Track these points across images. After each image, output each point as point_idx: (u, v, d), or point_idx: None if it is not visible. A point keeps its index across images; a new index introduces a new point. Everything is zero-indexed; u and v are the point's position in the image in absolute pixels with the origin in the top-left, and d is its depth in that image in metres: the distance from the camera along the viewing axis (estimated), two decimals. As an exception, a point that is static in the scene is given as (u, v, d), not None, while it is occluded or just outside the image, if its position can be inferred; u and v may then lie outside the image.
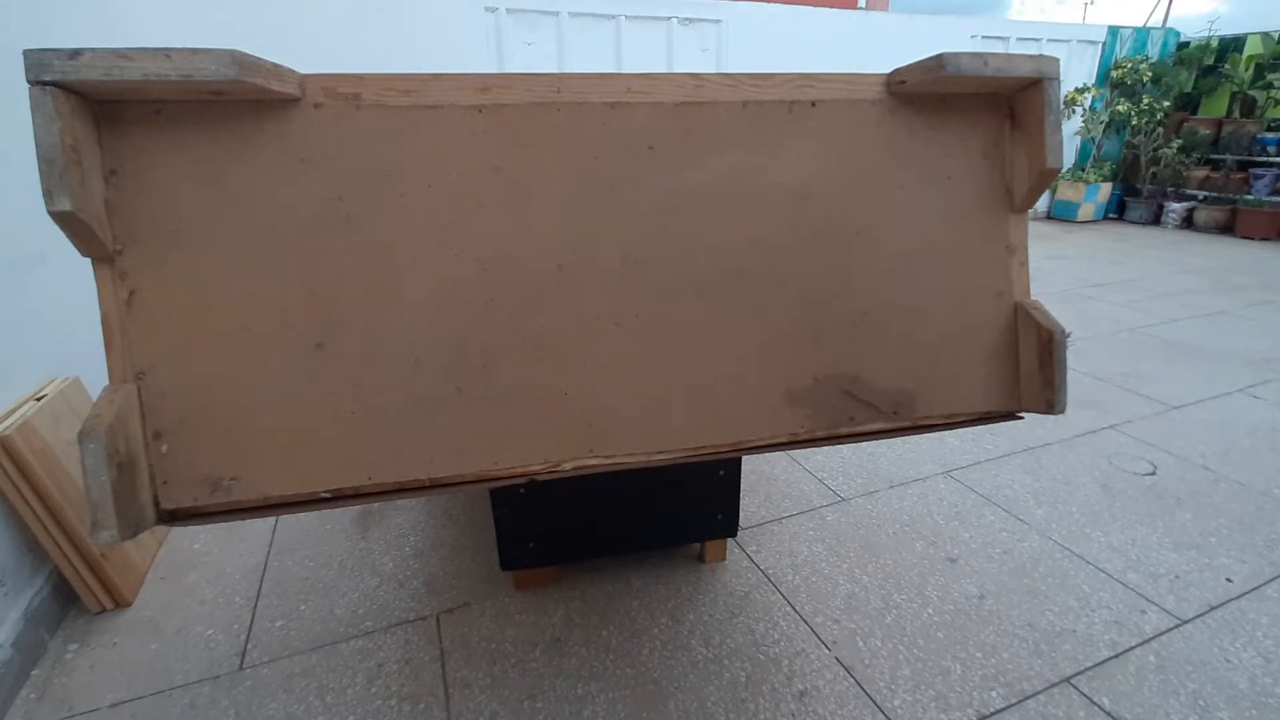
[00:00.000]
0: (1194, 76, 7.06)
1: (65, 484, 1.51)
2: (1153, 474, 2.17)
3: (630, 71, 0.90)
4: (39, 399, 1.57)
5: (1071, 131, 7.09)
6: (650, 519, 1.65)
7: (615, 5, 5.26)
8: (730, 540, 1.79)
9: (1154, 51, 7.15)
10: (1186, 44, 7.18)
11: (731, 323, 0.92)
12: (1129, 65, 6.88)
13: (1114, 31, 7.08)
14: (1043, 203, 7.36)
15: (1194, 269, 5.01)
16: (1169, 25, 7.43)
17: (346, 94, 0.80)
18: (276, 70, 0.74)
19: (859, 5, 13.45)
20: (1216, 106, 7.01)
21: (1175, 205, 6.71)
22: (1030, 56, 0.89)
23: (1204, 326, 3.65)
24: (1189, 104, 7.20)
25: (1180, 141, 6.77)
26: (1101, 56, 7.14)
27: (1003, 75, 0.88)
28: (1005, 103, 0.97)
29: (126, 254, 0.75)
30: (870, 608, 1.60)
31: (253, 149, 0.77)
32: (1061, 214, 7.20)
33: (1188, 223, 6.70)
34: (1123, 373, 3.02)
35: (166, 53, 0.67)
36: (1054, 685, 1.37)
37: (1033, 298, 1.01)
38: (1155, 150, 6.91)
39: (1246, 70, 6.64)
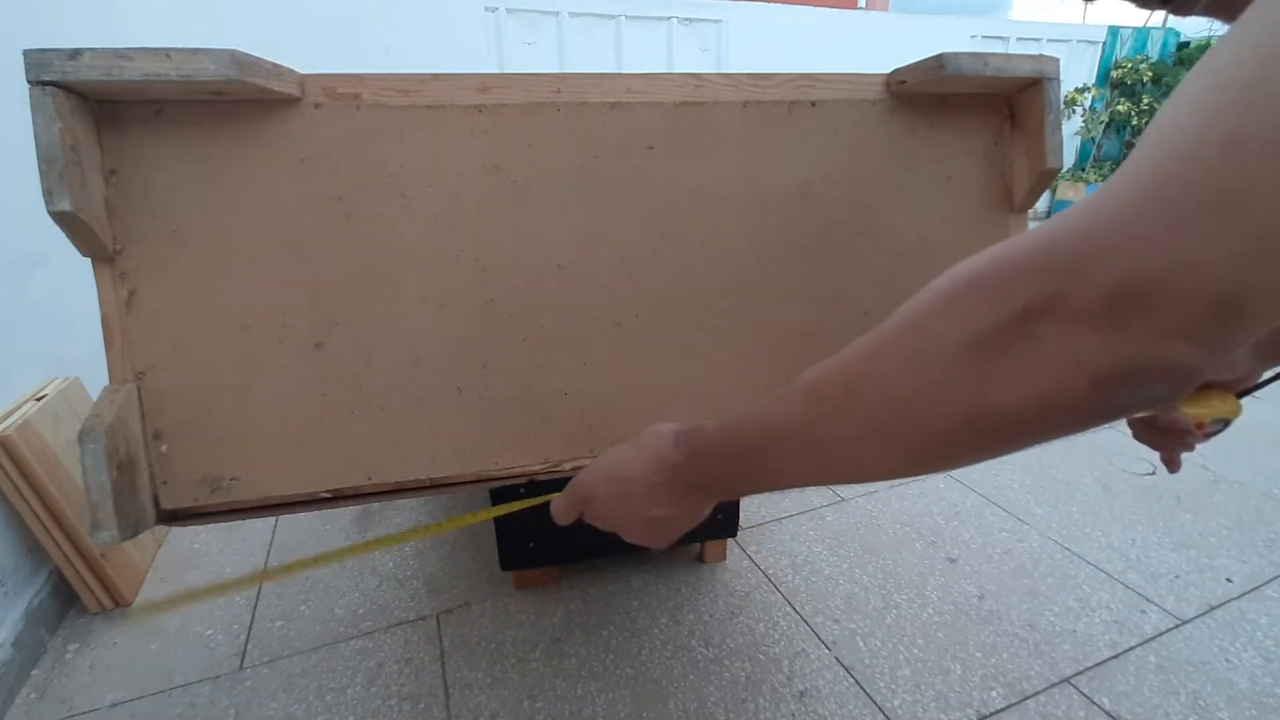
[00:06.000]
0: (1194, 76, 7.05)
1: (65, 484, 1.51)
2: (1153, 474, 2.17)
3: (630, 71, 0.90)
4: (39, 399, 1.57)
5: (1071, 131, 7.08)
6: (650, 519, 1.64)
7: (615, 5, 5.25)
8: (730, 540, 1.79)
9: (1154, 51, 7.15)
10: (1186, 44, 7.18)
11: (731, 323, 0.92)
12: (1129, 65, 6.88)
13: (1114, 31, 7.08)
14: (1043, 203, 7.35)
15: (1194, 269, 5.01)
16: (1169, 25, 7.43)
17: (346, 94, 0.80)
18: (276, 70, 0.74)
19: (859, 5, 13.45)
20: (1216, 106, 7.00)
21: (1175, 205, 6.70)
22: (1030, 56, 0.89)
23: (1204, 326, 3.64)
24: (1189, 104, 7.19)
25: (1180, 141, 6.76)
26: (1101, 56, 7.14)
27: (1003, 75, 0.88)
28: (1005, 103, 0.97)
29: (126, 254, 0.75)
30: (870, 608, 1.59)
31: (253, 149, 0.77)
32: (1061, 214, 7.20)
33: (1188, 223, 6.69)
34: (1123, 373, 3.02)
35: (166, 53, 0.66)
36: (1054, 685, 1.37)
37: (1033, 298, 1.00)
38: (1155, 150, 6.90)
39: (1246, 70, 6.63)
